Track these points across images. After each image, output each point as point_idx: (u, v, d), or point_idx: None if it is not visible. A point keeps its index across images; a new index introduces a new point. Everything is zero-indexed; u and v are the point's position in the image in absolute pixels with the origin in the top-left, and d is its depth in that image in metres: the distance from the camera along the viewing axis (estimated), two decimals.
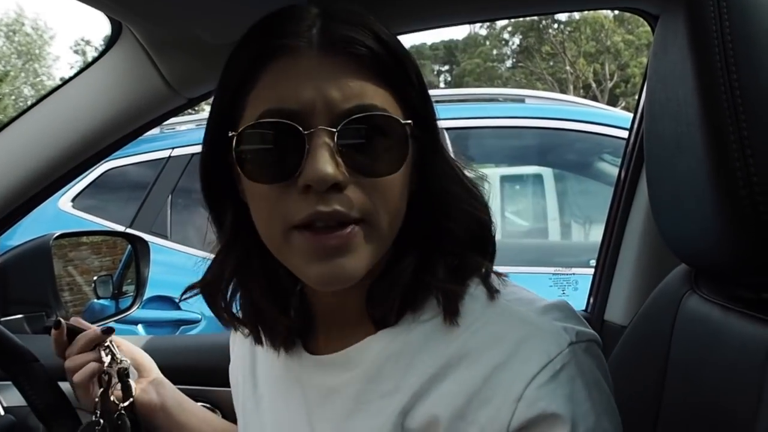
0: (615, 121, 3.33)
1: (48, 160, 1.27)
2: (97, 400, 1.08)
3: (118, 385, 1.10)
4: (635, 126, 1.50)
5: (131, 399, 1.10)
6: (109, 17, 1.15)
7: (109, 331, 1.12)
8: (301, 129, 0.71)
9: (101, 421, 1.07)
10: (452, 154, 0.84)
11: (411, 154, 0.76)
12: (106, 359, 1.10)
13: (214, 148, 0.80)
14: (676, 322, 0.95)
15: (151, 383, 1.14)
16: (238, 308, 0.89)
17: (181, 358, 1.53)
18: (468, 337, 0.74)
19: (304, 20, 0.75)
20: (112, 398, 1.08)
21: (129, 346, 1.16)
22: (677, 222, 0.86)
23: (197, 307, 3.15)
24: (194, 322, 3.15)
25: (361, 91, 0.72)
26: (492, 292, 0.77)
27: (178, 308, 3.15)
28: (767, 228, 0.65)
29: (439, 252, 0.80)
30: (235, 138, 0.75)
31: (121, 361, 1.11)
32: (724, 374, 0.80)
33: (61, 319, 1.10)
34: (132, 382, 1.12)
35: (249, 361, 0.98)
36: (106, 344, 1.11)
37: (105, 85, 1.25)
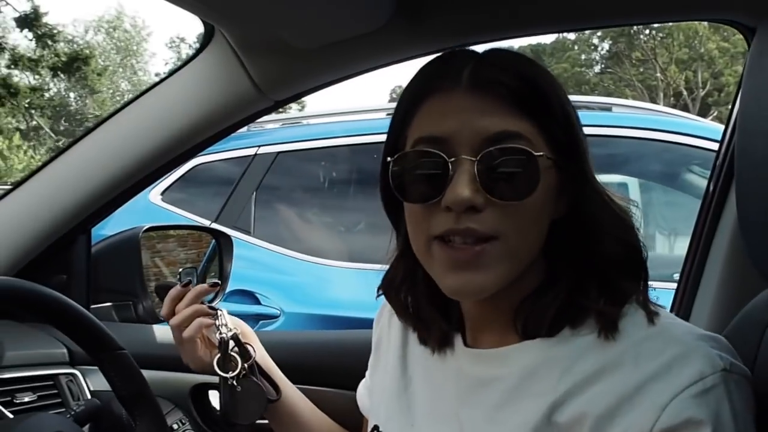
0: (705, 132, 3.22)
1: (140, 156, 1.33)
2: (213, 360, 1.17)
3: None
4: (726, 139, 1.44)
5: (252, 359, 1.20)
6: (202, 20, 1.19)
7: (216, 285, 1.21)
8: (446, 157, 0.82)
9: (233, 382, 1.16)
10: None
11: (551, 181, 0.84)
12: (217, 322, 1.18)
13: (385, 174, 0.90)
14: (761, 348, 0.92)
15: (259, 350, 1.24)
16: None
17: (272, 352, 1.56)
18: (625, 349, 0.79)
19: (458, 63, 0.86)
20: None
21: (232, 317, 1.24)
22: (766, 243, 0.83)
23: (276, 302, 3.22)
24: (273, 317, 3.20)
25: (501, 123, 0.82)
26: (650, 314, 0.82)
27: (258, 303, 3.23)
28: None
29: (592, 275, 0.86)
30: (391, 163, 0.87)
31: (231, 327, 1.19)
32: None
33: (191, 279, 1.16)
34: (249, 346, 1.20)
35: (400, 343, 1.05)
36: (215, 311, 1.19)
37: (196, 86, 1.29)
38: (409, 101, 0.89)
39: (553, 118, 0.84)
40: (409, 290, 1.00)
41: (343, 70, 1.30)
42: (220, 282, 1.17)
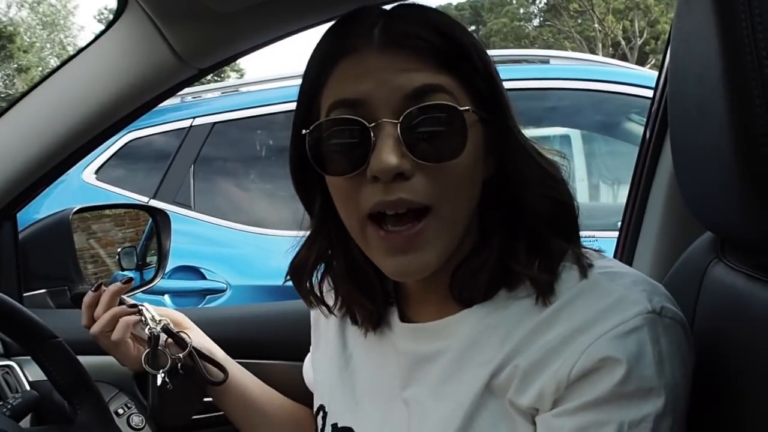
0: (642, 80, 3.26)
1: (60, 134, 1.27)
2: (142, 357, 1.13)
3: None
4: (660, 86, 1.45)
5: (189, 347, 1.16)
6: None
7: (129, 280, 1.14)
8: (365, 122, 0.77)
9: (166, 379, 1.12)
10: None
11: (479, 138, 0.80)
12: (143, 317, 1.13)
13: (298, 146, 0.85)
14: (701, 291, 0.92)
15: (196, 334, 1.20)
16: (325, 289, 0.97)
17: (205, 330, 1.53)
18: (560, 307, 0.78)
19: (367, 21, 0.81)
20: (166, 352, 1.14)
21: (158, 308, 1.19)
22: (701, 189, 0.82)
23: (222, 276, 3.18)
24: (220, 291, 3.16)
25: (420, 77, 0.77)
26: (583, 269, 0.80)
27: (204, 278, 3.18)
28: None
29: (522, 234, 0.83)
30: (307, 134, 0.81)
31: (159, 320, 1.15)
32: (748, 344, 0.77)
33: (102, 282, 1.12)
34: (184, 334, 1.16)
35: (337, 321, 1.02)
36: (137, 307, 1.14)
37: (113, 58, 1.24)
38: (319, 65, 0.83)
39: (474, 71, 0.80)
40: (326, 273, 0.95)
41: (267, 34, 1.25)
42: (133, 277, 1.12)
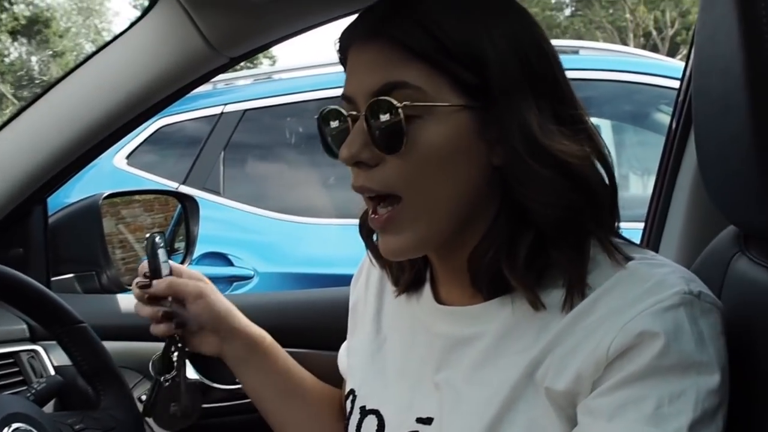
0: (671, 72, 3.22)
1: (93, 121, 1.30)
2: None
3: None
4: (686, 77, 1.44)
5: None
6: None
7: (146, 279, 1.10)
8: (344, 112, 0.84)
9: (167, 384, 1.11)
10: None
11: (460, 128, 0.80)
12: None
13: None
14: (724, 284, 0.92)
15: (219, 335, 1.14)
16: None
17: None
18: (597, 297, 0.78)
19: (362, 18, 0.85)
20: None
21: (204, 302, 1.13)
22: (724, 182, 0.82)
23: (250, 263, 3.21)
24: (247, 278, 3.18)
25: (386, 75, 0.80)
26: (622, 260, 0.80)
27: (231, 264, 3.20)
28: None
29: (525, 231, 0.81)
30: (318, 120, 0.89)
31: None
32: None
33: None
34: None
35: (374, 305, 1.04)
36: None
37: (147, 46, 1.26)
38: (342, 59, 0.90)
39: (452, 61, 0.79)
40: None
41: (298, 23, 1.26)
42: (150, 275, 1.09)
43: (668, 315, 0.73)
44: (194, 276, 1.15)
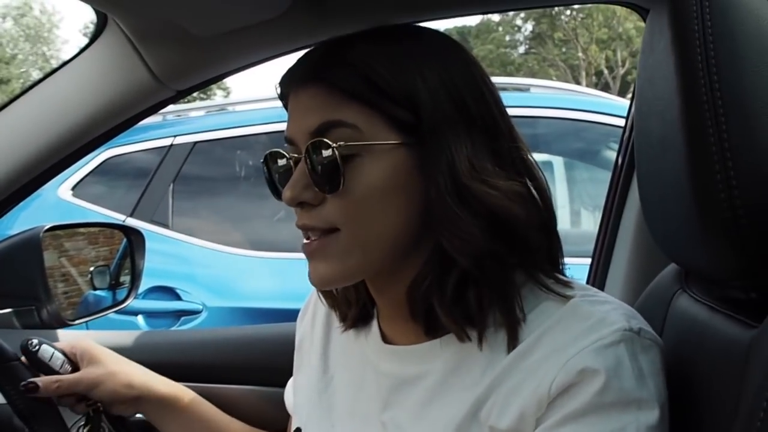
0: (620, 110, 3.29)
1: (33, 151, 1.26)
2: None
3: None
4: (631, 116, 1.47)
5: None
6: (93, 8, 1.13)
7: None
8: (287, 155, 0.87)
9: None
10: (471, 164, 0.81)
11: (399, 165, 0.81)
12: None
13: None
14: (666, 321, 0.94)
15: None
16: None
17: (170, 353, 1.51)
18: (540, 334, 0.79)
19: (301, 62, 0.88)
20: None
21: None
22: (665, 221, 0.84)
23: (198, 297, 3.15)
24: (195, 312, 3.12)
25: (323, 115, 0.81)
26: (564, 299, 0.81)
27: (179, 299, 3.15)
28: (746, 233, 0.63)
29: (457, 267, 0.81)
30: (264, 161, 0.91)
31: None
32: (708, 376, 0.78)
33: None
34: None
35: (321, 342, 1.04)
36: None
37: (90, 76, 1.23)
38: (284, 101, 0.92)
39: (386, 99, 0.80)
40: None
41: (245, 58, 1.26)
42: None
43: (609, 352, 0.74)
44: (91, 358, 1.20)
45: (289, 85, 0.87)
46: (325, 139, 0.80)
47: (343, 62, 0.82)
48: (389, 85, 0.80)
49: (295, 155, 0.84)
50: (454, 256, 0.80)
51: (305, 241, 0.86)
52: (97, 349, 1.21)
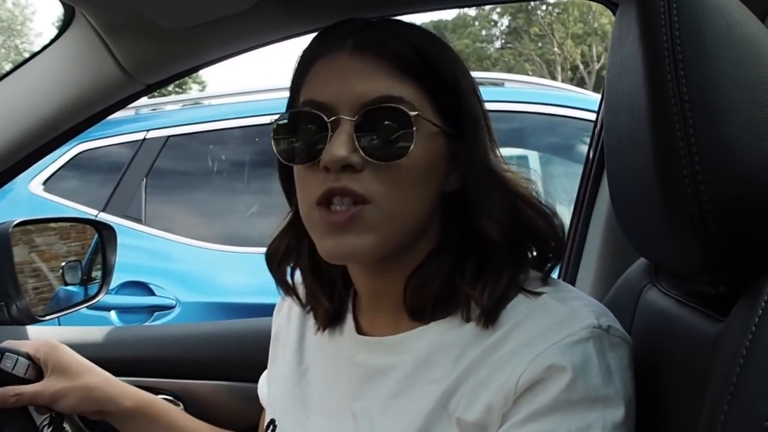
0: (594, 105, 3.31)
1: (0, 145, 1.24)
2: None
3: None
4: (601, 110, 1.48)
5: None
6: (60, 0, 1.12)
7: None
8: (325, 117, 0.81)
9: None
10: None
11: (437, 149, 0.84)
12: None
13: None
14: (636, 315, 0.95)
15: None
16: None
17: (143, 349, 1.50)
18: (509, 329, 0.80)
19: (345, 29, 0.87)
20: None
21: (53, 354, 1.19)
22: (634, 216, 0.84)
23: (172, 292, 3.13)
24: (169, 307, 3.09)
25: (383, 87, 0.82)
26: (536, 294, 0.83)
27: (152, 294, 3.12)
28: (712, 228, 0.64)
29: (473, 256, 0.85)
30: (274, 124, 0.87)
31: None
32: (676, 368, 0.80)
33: None
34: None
35: (296, 335, 1.03)
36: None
37: (58, 69, 1.22)
38: (299, 67, 0.89)
39: (441, 85, 0.84)
40: (295, 262, 0.99)
41: (215, 52, 1.25)
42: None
43: (577, 349, 0.75)
44: (55, 366, 1.18)
45: (323, 50, 0.86)
46: (401, 107, 0.81)
47: (402, 37, 0.84)
48: (441, 70, 0.84)
49: (334, 118, 0.82)
50: (488, 235, 0.83)
51: (336, 208, 0.82)
52: (62, 356, 1.19)
